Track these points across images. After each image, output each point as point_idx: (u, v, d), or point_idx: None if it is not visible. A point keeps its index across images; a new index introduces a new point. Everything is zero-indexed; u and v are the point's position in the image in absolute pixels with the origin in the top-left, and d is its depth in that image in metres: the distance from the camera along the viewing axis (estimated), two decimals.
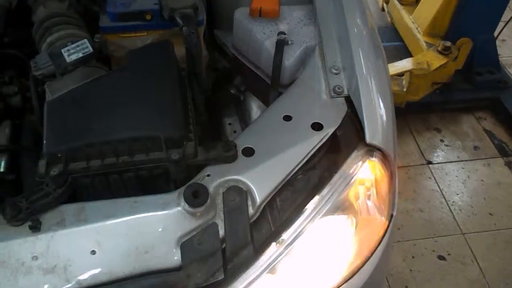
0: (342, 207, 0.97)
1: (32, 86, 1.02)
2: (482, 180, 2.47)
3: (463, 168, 2.53)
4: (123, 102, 0.95)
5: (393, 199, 1.07)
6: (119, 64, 1.18)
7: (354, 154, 1.00)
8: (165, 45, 1.04)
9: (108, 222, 0.87)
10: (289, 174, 0.96)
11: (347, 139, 1.02)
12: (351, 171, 0.98)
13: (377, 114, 1.04)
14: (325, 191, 0.96)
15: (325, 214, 0.94)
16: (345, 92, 1.08)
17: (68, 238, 0.86)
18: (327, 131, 1.02)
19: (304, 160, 0.98)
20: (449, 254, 2.16)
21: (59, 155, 0.90)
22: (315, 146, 0.99)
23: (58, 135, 0.93)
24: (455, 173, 2.50)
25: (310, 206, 0.94)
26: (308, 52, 1.17)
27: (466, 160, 2.57)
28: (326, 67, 1.12)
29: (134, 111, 0.94)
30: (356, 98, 1.06)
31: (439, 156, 2.58)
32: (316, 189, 0.96)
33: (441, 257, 2.15)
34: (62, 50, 0.97)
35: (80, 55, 0.98)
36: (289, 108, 1.06)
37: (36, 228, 0.84)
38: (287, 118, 1.04)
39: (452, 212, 2.32)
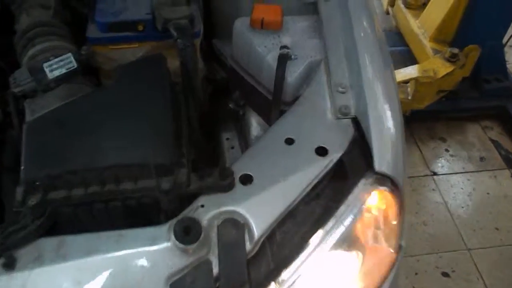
0: (348, 241, 0.89)
1: (11, 103, 0.94)
2: (488, 193, 2.39)
3: (468, 180, 2.45)
4: (110, 124, 0.87)
5: (402, 229, 0.99)
6: (108, 77, 1.09)
7: (362, 183, 0.92)
8: (157, 59, 0.96)
9: (90, 258, 0.79)
10: (290, 204, 0.88)
11: (354, 165, 0.94)
12: (358, 202, 0.90)
13: (387, 139, 0.96)
14: (329, 224, 0.88)
15: (330, 250, 0.86)
16: (352, 113, 1.00)
17: (47, 276, 0.78)
18: (333, 157, 0.94)
19: (307, 189, 0.90)
20: (453, 271, 2.08)
21: (37, 183, 0.82)
22: (319, 174, 0.91)
23: (37, 160, 0.84)
24: (461, 185, 2.42)
25: (314, 240, 0.86)
26: (313, 67, 1.08)
27: (471, 172, 2.49)
28: (332, 85, 1.04)
29: (121, 134, 0.86)
30: (364, 120, 0.98)
31: (444, 166, 2.50)
32: (320, 222, 0.88)
33: (445, 274, 2.07)
34: (44, 65, 0.89)
35: (64, 70, 0.89)
36: (292, 130, 0.97)
37: (10, 266, 0.76)
38: (289, 141, 0.96)
39: (457, 226, 2.24)
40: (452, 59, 2.48)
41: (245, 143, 1.32)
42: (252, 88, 1.20)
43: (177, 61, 1.06)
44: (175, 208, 0.87)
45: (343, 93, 1.03)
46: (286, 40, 1.08)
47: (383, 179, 0.93)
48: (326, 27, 1.12)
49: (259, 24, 1.10)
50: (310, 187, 0.90)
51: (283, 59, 1.04)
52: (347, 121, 1.00)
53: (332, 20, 1.12)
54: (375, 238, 0.92)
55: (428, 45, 2.70)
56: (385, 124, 0.97)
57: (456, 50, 2.48)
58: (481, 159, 2.54)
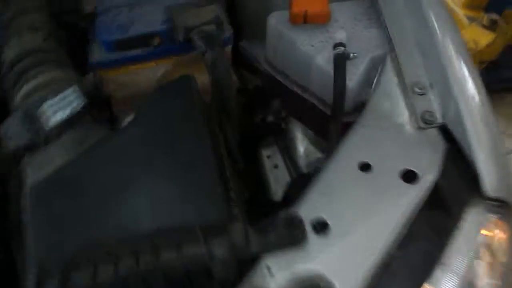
0: None
1: (7, 166, 0.72)
2: None
3: None
4: (135, 177, 0.66)
5: None
6: (123, 106, 0.88)
7: (471, 214, 0.70)
8: (185, 83, 0.74)
9: None
10: (381, 252, 0.67)
11: (454, 191, 0.72)
12: (469, 240, 0.69)
13: (492, 152, 0.74)
14: (437, 274, 0.66)
15: None
16: (439, 120, 0.78)
17: None
18: (425, 182, 0.72)
19: (400, 230, 0.68)
20: None
21: (53, 265, 0.62)
22: (411, 206, 0.70)
23: (49, 235, 0.64)
24: None
25: None
26: (376, 65, 0.86)
27: None
28: (406, 86, 0.81)
29: (152, 190, 0.65)
30: (458, 129, 0.75)
31: None
32: (424, 272, 0.67)
33: None
34: (41, 109, 0.68)
35: (67, 112, 0.68)
36: (365, 151, 0.76)
37: None
38: (365, 167, 0.74)
39: None
40: (491, 26, 2.22)
41: (290, 161, 1.11)
42: (296, 96, 0.97)
43: (205, 77, 0.84)
44: (232, 275, 0.66)
45: (422, 94, 0.80)
46: (339, 35, 0.85)
47: (497, 206, 0.71)
48: (385, 10, 0.89)
49: (302, 18, 0.88)
50: (402, 227, 0.69)
51: (341, 60, 0.82)
52: (434, 131, 0.77)
53: (392, 1, 0.89)
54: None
55: (460, 12, 2.43)
56: (486, 132, 0.75)
57: (494, 16, 2.22)
58: None
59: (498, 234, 0.70)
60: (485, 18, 2.23)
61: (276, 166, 1.14)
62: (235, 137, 0.87)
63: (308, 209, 0.70)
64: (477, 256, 0.68)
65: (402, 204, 0.70)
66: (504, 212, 0.71)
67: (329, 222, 0.68)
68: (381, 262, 0.66)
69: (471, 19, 2.34)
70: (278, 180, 1.13)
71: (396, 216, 0.69)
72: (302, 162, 1.09)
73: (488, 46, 2.18)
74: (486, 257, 0.68)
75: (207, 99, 0.87)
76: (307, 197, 0.72)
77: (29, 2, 0.90)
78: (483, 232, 0.69)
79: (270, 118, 1.06)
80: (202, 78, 0.85)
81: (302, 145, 1.09)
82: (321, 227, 0.68)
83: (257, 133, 1.12)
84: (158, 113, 0.70)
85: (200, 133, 0.68)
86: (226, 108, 0.84)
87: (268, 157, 1.15)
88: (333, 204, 0.71)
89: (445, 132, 0.77)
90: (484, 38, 2.19)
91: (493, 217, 0.70)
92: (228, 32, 0.88)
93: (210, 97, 0.87)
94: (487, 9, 2.33)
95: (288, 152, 1.11)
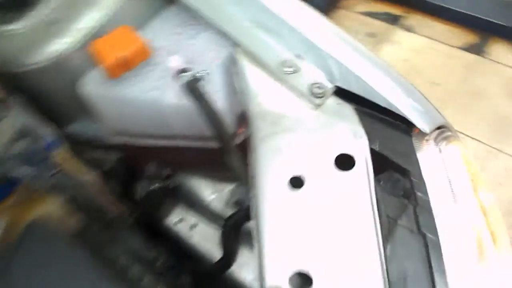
0: None
1: None
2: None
3: None
4: None
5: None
6: None
7: (425, 154, 0.61)
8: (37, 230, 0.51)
9: None
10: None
11: (392, 146, 0.62)
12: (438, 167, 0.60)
13: (403, 92, 0.65)
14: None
15: None
16: (330, 85, 0.67)
17: None
18: (361, 156, 0.61)
19: (377, 226, 0.56)
20: None
21: None
22: (367, 196, 0.58)
23: None
24: None
25: None
26: (230, 68, 0.72)
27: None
28: (273, 71, 0.69)
29: None
30: (354, 82, 0.65)
31: None
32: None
33: None
34: None
35: None
36: (287, 166, 0.62)
37: None
38: (295, 182, 0.60)
39: None
40: None
41: (203, 210, 0.94)
42: (167, 150, 0.80)
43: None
44: None
45: (294, 72, 0.68)
46: (174, 61, 0.68)
47: (437, 135, 0.63)
48: (205, 10, 0.74)
49: (121, 67, 0.69)
50: (375, 214, 0.57)
51: (194, 86, 0.66)
52: (334, 100, 0.67)
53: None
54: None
55: None
56: (380, 73, 0.66)
57: None
58: (370, 35, 2.40)
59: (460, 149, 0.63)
60: None
61: (194, 226, 0.95)
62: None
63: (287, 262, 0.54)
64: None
65: (358, 199, 0.58)
66: (450, 132, 0.63)
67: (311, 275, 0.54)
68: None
69: None
70: (205, 237, 0.95)
71: (361, 219, 0.57)
72: (217, 203, 0.93)
73: None
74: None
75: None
76: (264, 250, 0.56)
77: None
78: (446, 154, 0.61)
79: (155, 186, 0.87)
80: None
81: (206, 188, 0.92)
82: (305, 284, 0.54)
83: (151, 207, 0.92)
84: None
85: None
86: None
87: (181, 220, 0.96)
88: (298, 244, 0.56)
89: (346, 96, 0.66)
90: None
91: (440, 144, 0.62)
92: (50, 137, 0.66)
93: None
94: None
95: (197, 202, 0.93)
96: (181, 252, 0.95)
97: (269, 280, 0.53)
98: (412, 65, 2.19)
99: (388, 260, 0.54)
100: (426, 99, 0.67)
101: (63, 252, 0.53)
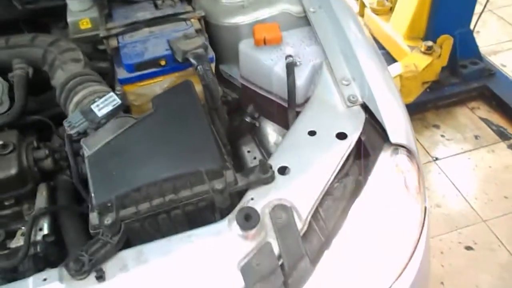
0: (382, 205, 1.01)
1: (67, 145, 1.06)
2: (490, 167, 2.53)
3: (469, 158, 2.59)
4: (159, 144, 1.00)
5: (424, 192, 1.12)
6: (140, 112, 1.23)
7: (382, 155, 1.05)
8: (186, 85, 1.10)
9: (168, 258, 0.90)
10: (326, 184, 1.00)
11: (372, 142, 1.08)
12: (383, 171, 1.03)
13: (395, 115, 1.10)
14: (363, 194, 1.01)
15: (367, 215, 0.99)
16: (360, 100, 1.15)
17: (133, 281, 0.89)
18: (352, 139, 1.07)
19: (338, 169, 1.03)
20: (475, 243, 2.19)
21: (109, 204, 0.94)
22: (344, 154, 1.05)
23: (104, 185, 0.96)
24: (463, 164, 2.56)
25: (352, 210, 0.98)
26: (316, 69, 1.23)
27: (470, 150, 2.63)
28: (336, 80, 1.19)
29: (171, 151, 0.99)
30: (372, 103, 1.12)
31: (443, 151, 2.65)
32: (354, 194, 1.01)
33: (468, 248, 2.18)
34: (92, 106, 1.02)
35: (110, 107, 1.03)
36: (311, 124, 1.11)
37: (101, 278, 0.87)
38: (312, 133, 1.09)
39: (468, 202, 2.37)
40: (428, 51, 2.67)
41: (266, 151, 1.45)
42: (265, 99, 1.34)
43: (199, 86, 1.20)
44: (228, 206, 0.99)
45: (347, 85, 1.18)
46: (288, 50, 1.24)
47: (399, 149, 1.07)
48: (319, 33, 1.28)
49: (262, 42, 1.26)
50: (339, 167, 1.03)
51: (291, 67, 1.19)
52: (357, 108, 1.14)
53: (323, 27, 1.29)
54: (406, 201, 1.05)
55: (403, 43, 2.90)
56: (391, 104, 1.12)
57: (430, 43, 2.68)
58: (476, 137, 2.70)
59: (400, 167, 1.05)
60: (423, 45, 2.69)
61: (255, 158, 1.48)
62: (223, 126, 1.22)
63: (275, 160, 1.04)
64: (387, 180, 1.02)
65: (338, 153, 1.05)
66: (405, 153, 1.07)
67: (289, 167, 1.03)
68: (326, 190, 1.00)
69: (412, 48, 2.81)
70: None
71: (334, 161, 1.04)
72: (274, 150, 1.44)
73: (426, 67, 2.62)
74: (392, 181, 1.03)
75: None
76: (274, 154, 1.07)
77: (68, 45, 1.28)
78: (391, 166, 1.04)
79: (247, 119, 1.42)
80: (196, 88, 1.21)
81: (273, 138, 1.44)
82: (284, 171, 1.02)
83: (238, 133, 1.47)
84: (169, 103, 1.06)
85: (201, 116, 1.04)
86: (215, 106, 1.19)
87: (249, 151, 1.49)
88: (291, 156, 1.05)
89: (364, 107, 1.14)
90: (422, 61, 2.64)
91: (397, 156, 1.06)
92: (211, 53, 1.26)
93: (202, 100, 1.23)
94: (425, 38, 2.80)
95: (263, 145, 1.46)
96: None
97: None
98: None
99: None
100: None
101: (194, 102, 1.09)
